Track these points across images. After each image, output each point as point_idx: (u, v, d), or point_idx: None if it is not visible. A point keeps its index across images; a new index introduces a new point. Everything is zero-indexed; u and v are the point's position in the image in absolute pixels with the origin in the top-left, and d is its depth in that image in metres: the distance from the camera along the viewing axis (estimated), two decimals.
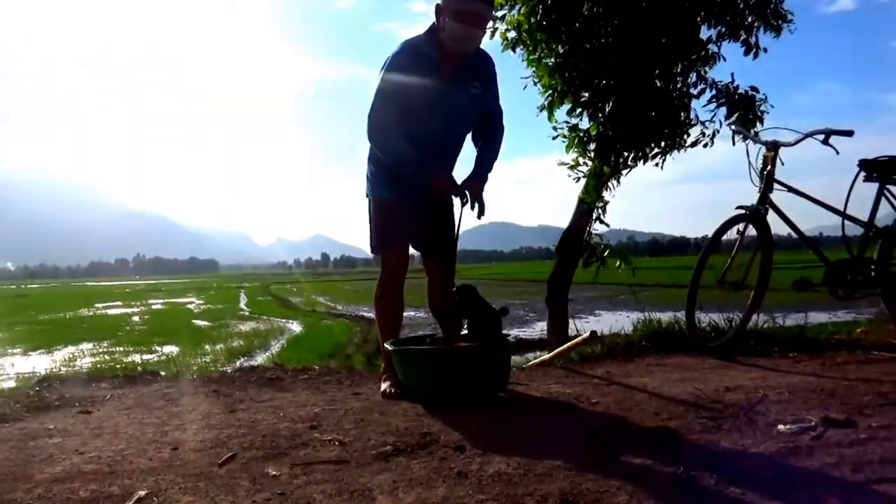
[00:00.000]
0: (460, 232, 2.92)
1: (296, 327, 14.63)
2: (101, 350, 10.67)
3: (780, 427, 2.00)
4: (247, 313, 19.59)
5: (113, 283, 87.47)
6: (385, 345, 2.81)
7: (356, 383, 3.13)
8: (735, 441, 1.91)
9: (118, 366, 7.07)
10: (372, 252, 2.94)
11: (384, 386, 2.82)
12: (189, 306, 24.43)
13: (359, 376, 3.32)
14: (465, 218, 2.79)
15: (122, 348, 10.79)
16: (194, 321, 16.91)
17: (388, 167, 2.81)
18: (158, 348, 10.56)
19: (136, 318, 18.66)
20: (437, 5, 2.65)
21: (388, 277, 2.92)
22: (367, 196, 2.98)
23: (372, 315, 3.08)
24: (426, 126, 2.74)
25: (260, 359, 8.92)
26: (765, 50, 4.64)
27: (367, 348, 10.40)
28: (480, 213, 2.75)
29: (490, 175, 2.81)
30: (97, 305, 26.18)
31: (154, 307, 24.65)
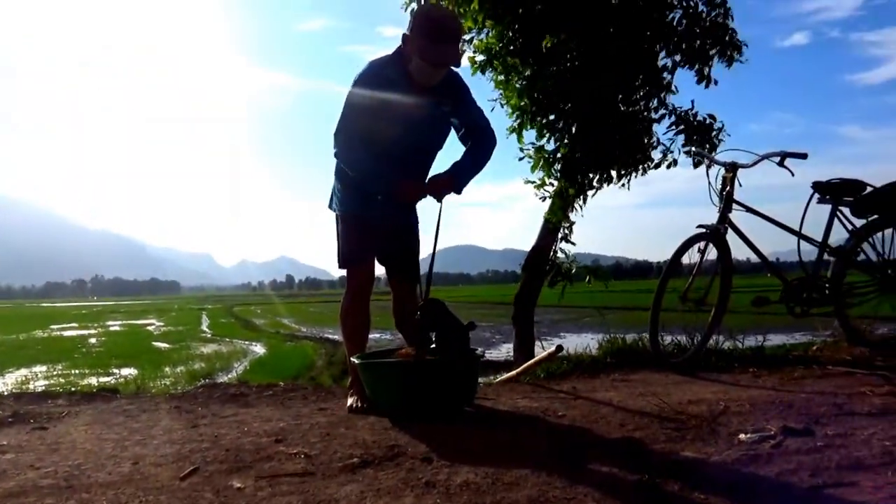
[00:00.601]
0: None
1: (259, 349, 14.40)
2: (55, 372, 10.32)
3: (742, 436, 2.04)
4: (209, 335, 19.20)
5: (69, 304, 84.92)
6: (352, 358, 2.79)
7: (322, 399, 3.10)
8: (698, 450, 1.95)
9: (73, 388, 6.86)
10: (339, 267, 2.93)
11: (351, 401, 2.80)
12: (149, 328, 23.85)
13: (325, 392, 3.28)
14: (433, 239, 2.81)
15: (77, 370, 10.46)
16: (154, 343, 16.51)
17: (355, 183, 2.81)
18: (116, 370, 10.26)
19: (92, 340, 18.13)
20: (405, 36, 2.64)
21: (355, 292, 2.92)
22: (332, 209, 2.97)
23: (337, 337, 3.05)
24: (394, 144, 2.74)
25: (222, 381, 8.73)
26: (715, 82, 4.81)
27: (332, 370, 10.27)
28: (437, 199, 2.73)
29: (466, 180, 2.75)
30: (52, 327, 25.37)
31: (112, 329, 24.01)
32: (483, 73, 5.30)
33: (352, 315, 2.93)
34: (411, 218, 2.99)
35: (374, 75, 2.67)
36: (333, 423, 2.53)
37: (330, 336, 16.25)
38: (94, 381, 8.48)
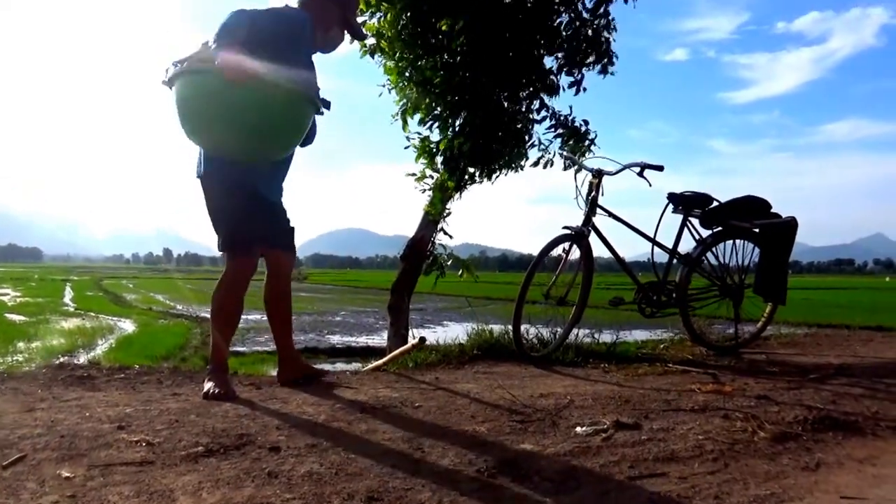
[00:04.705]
0: None
1: (128, 326, 13.55)
2: None
3: (578, 429, 2.19)
4: (72, 309, 17.86)
5: None
6: None
7: (178, 384, 2.99)
8: (537, 442, 2.07)
9: None
10: (222, 249, 2.80)
11: (208, 386, 2.72)
12: (2, 298, 21.84)
13: (182, 377, 3.16)
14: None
15: None
16: (7, 315, 15.15)
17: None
18: None
19: None
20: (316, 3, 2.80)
21: (238, 282, 2.80)
22: (201, 177, 2.78)
23: None
24: None
25: (83, 359, 8.17)
26: (584, 89, 5.09)
27: (205, 351, 9.87)
28: None
29: None
30: None
31: None
32: (372, 56, 5.28)
33: (229, 305, 2.84)
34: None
35: (305, 29, 2.74)
36: (185, 409, 2.45)
37: (207, 315, 15.58)
38: None
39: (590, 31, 5.15)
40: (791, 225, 3.81)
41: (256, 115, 2.47)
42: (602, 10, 5.14)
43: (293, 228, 2.96)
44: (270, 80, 2.44)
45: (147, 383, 2.99)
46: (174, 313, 17.02)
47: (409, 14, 4.96)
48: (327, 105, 2.64)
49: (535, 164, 5.04)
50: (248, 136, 2.52)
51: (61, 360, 6.79)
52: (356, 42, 5.27)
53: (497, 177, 5.04)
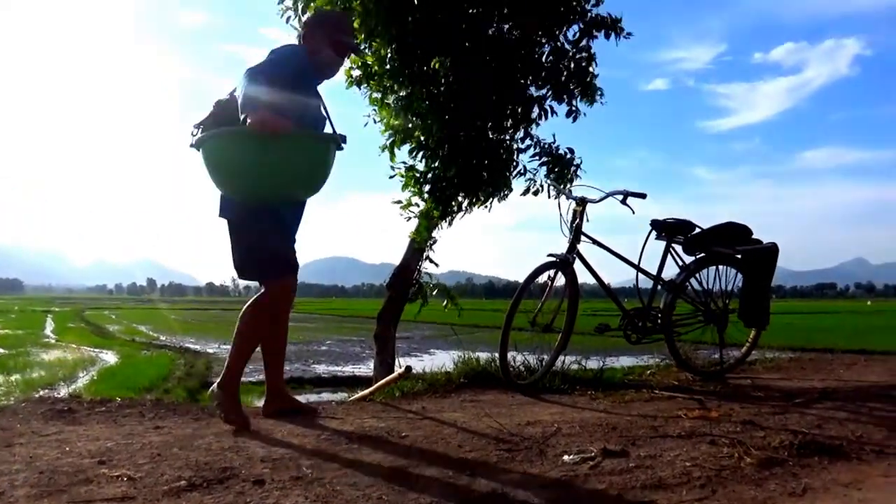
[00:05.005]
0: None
1: (110, 357, 13.34)
2: None
3: (565, 457, 2.18)
4: (53, 340, 17.56)
5: None
6: None
7: (160, 416, 2.94)
8: (524, 471, 2.06)
9: None
10: (265, 277, 2.84)
11: (222, 414, 2.73)
12: None
13: (165, 409, 3.12)
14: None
15: None
16: None
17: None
18: None
19: None
20: (311, 35, 2.91)
21: (282, 307, 2.91)
22: (226, 215, 2.85)
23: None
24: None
25: (64, 392, 8.02)
26: (584, 114, 5.15)
27: (189, 382, 9.74)
28: None
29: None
30: None
31: None
32: (359, 87, 5.33)
33: (261, 330, 2.88)
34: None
35: (305, 61, 2.84)
36: (167, 442, 2.42)
37: (191, 346, 15.41)
38: None
39: (572, 64, 5.23)
40: (772, 250, 3.87)
41: (291, 165, 2.61)
42: (584, 42, 5.22)
43: (297, 264, 2.99)
44: (298, 130, 2.60)
45: (129, 416, 2.95)
46: (158, 344, 16.77)
47: (394, 46, 5.02)
48: (344, 140, 2.75)
49: (525, 192, 5.08)
50: (283, 185, 2.66)
51: (41, 393, 6.66)
52: (342, 73, 5.32)
53: (492, 202, 5.09)
